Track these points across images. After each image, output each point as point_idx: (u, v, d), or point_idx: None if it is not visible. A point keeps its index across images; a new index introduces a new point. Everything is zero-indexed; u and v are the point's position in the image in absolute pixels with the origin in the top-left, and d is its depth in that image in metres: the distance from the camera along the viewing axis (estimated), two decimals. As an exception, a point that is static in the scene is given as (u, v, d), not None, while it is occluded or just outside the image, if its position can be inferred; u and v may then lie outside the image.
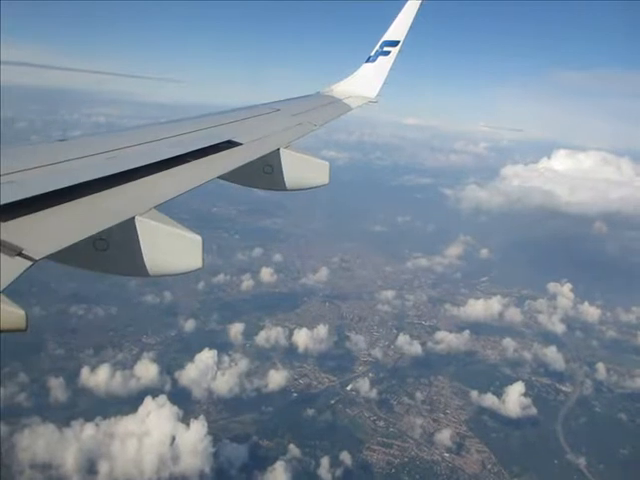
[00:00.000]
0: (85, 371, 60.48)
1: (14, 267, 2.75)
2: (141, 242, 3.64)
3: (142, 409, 52.89)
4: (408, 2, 11.25)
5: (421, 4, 11.16)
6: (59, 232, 3.31)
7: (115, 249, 3.66)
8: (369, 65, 11.92)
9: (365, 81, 11.88)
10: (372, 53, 11.84)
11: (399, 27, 11.45)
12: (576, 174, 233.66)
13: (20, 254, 2.85)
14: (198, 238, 3.69)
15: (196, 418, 53.48)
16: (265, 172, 6.12)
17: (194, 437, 49.71)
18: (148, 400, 53.95)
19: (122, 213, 3.64)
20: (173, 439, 50.08)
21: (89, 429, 50.42)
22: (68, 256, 3.41)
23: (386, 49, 11.67)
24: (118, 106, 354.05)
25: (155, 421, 50.99)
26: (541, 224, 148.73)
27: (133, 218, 3.61)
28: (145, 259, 3.71)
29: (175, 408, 53.76)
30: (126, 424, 51.31)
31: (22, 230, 3.10)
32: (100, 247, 3.62)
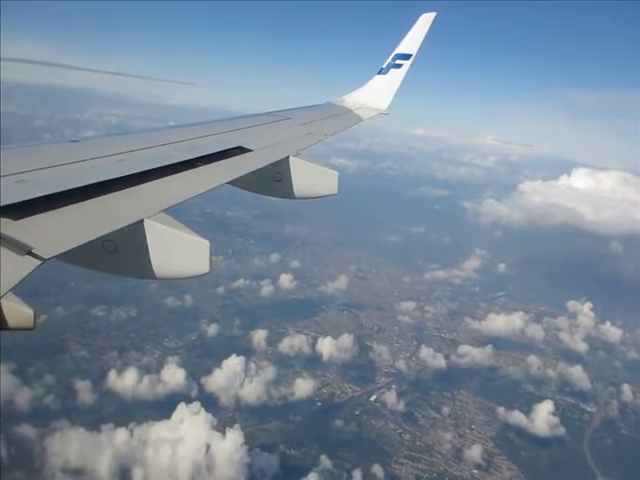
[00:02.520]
0: (112, 374, 59.81)
1: (24, 266, 2.77)
2: (149, 245, 3.67)
3: (176, 415, 52.21)
4: (422, 16, 11.31)
5: (435, 19, 11.20)
6: (69, 232, 3.33)
7: (123, 251, 3.70)
8: (381, 77, 12.00)
9: (376, 93, 11.93)
10: (384, 65, 11.91)
11: (412, 41, 11.53)
12: (597, 193, 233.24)
13: (30, 253, 2.88)
14: (206, 243, 3.70)
15: (231, 427, 52.86)
16: (274, 179, 6.16)
17: (229, 446, 48.97)
18: (182, 406, 53.29)
19: (131, 215, 3.68)
20: (208, 447, 49.33)
21: (121, 434, 49.69)
22: (77, 256, 3.49)
23: (398, 62, 11.76)
24: (130, 107, 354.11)
25: (189, 428, 50.22)
26: (562, 242, 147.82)
27: (142, 221, 3.64)
28: (153, 262, 3.74)
29: (209, 416, 53.09)
30: (159, 430, 50.62)
31: (32, 229, 3.13)
32: (108, 248, 3.66)
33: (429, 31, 11.20)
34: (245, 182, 5.77)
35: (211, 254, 3.67)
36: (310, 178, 6.20)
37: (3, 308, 2.72)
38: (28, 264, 2.79)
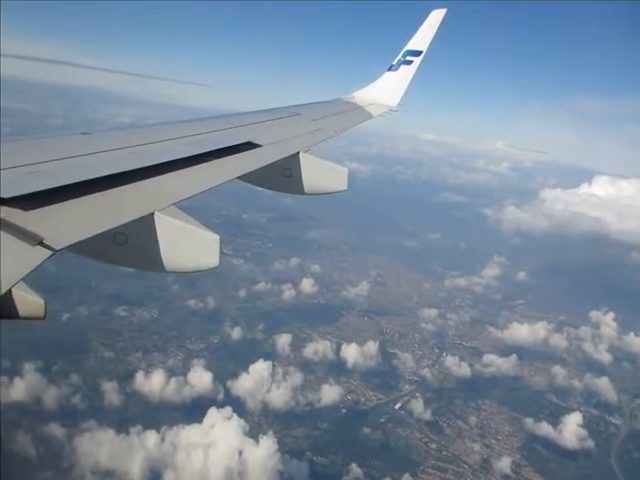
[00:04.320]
0: (139, 376, 59.60)
1: (35, 256, 2.77)
2: (159, 238, 3.70)
3: (207, 420, 51.81)
4: (432, 12, 11.22)
5: (445, 15, 11.11)
6: (80, 224, 3.33)
7: (134, 243, 3.73)
8: (391, 74, 11.90)
9: (387, 89, 11.84)
10: (394, 62, 11.81)
11: (422, 37, 11.43)
12: (620, 202, 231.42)
13: (41, 243, 2.87)
14: (215, 237, 3.75)
15: (259, 432, 52.43)
16: (284, 175, 6.16)
17: (262, 453, 48.48)
18: (213, 411, 52.89)
19: (142, 208, 3.70)
20: (240, 453, 48.85)
21: (151, 437, 49.34)
22: (88, 248, 3.57)
23: (409, 58, 11.66)
24: (144, 107, 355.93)
25: (221, 433, 49.75)
26: (585, 250, 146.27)
27: (152, 214, 3.67)
28: (162, 255, 3.76)
29: (242, 421, 52.67)
30: (189, 434, 50.22)
31: (44, 220, 3.13)
32: (119, 241, 3.69)
33: (440, 27, 11.14)
34: (255, 177, 5.76)
35: (221, 248, 3.71)
36: (320, 174, 6.20)
37: (14, 297, 2.83)
38: (39, 254, 2.80)
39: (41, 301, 2.91)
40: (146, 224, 3.65)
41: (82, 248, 3.38)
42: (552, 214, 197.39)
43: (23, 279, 2.63)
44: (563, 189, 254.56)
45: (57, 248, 2.90)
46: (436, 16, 11.27)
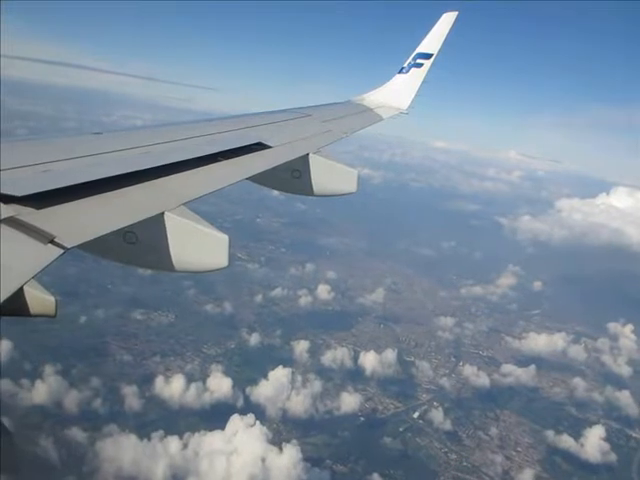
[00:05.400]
0: (159, 380, 59.47)
1: (46, 254, 2.78)
2: (169, 237, 3.70)
3: (229, 427, 51.54)
4: (444, 15, 11.18)
5: (456, 18, 11.08)
6: (91, 223, 3.34)
7: (143, 243, 3.73)
8: (401, 76, 11.88)
9: (397, 92, 11.80)
10: (405, 64, 11.79)
11: (433, 40, 11.40)
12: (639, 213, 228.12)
13: (52, 242, 2.89)
14: (225, 237, 3.76)
15: (279, 440, 52.15)
16: (294, 176, 6.14)
17: (286, 461, 48.15)
18: (236, 418, 52.61)
19: (152, 208, 3.71)
20: (263, 461, 48.54)
21: (173, 443, 49.12)
22: (98, 247, 3.64)
23: (419, 61, 11.65)
24: (152, 110, 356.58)
25: (244, 441, 49.41)
26: (603, 261, 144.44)
27: (162, 213, 3.67)
28: (172, 254, 3.77)
29: (264, 429, 52.38)
30: (212, 441, 49.95)
31: (55, 219, 3.13)
32: (129, 240, 3.70)
33: (451, 31, 11.11)
34: (264, 178, 5.77)
35: (230, 249, 3.72)
36: (330, 176, 6.18)
37: (26, 295, 2.85)
38: (50, 252, 2.82)
39: (52, 299, 2.93)
40: (156, 224, 3.67)
41: (93, 247, 3.43)
42: (569, 224, 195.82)
43: (34, 277, 2.64)
44: (580, 199, 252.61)
45: (68, 246, 2.93)
46: (447, 19, 11.27)
